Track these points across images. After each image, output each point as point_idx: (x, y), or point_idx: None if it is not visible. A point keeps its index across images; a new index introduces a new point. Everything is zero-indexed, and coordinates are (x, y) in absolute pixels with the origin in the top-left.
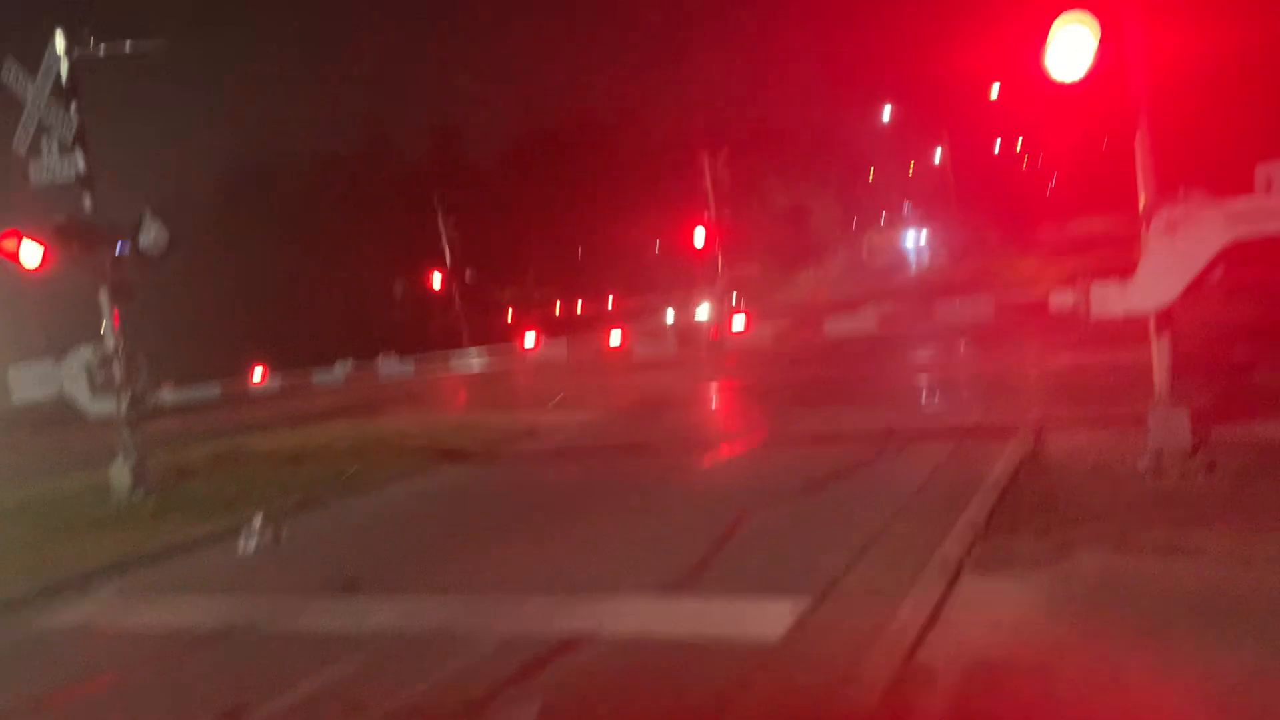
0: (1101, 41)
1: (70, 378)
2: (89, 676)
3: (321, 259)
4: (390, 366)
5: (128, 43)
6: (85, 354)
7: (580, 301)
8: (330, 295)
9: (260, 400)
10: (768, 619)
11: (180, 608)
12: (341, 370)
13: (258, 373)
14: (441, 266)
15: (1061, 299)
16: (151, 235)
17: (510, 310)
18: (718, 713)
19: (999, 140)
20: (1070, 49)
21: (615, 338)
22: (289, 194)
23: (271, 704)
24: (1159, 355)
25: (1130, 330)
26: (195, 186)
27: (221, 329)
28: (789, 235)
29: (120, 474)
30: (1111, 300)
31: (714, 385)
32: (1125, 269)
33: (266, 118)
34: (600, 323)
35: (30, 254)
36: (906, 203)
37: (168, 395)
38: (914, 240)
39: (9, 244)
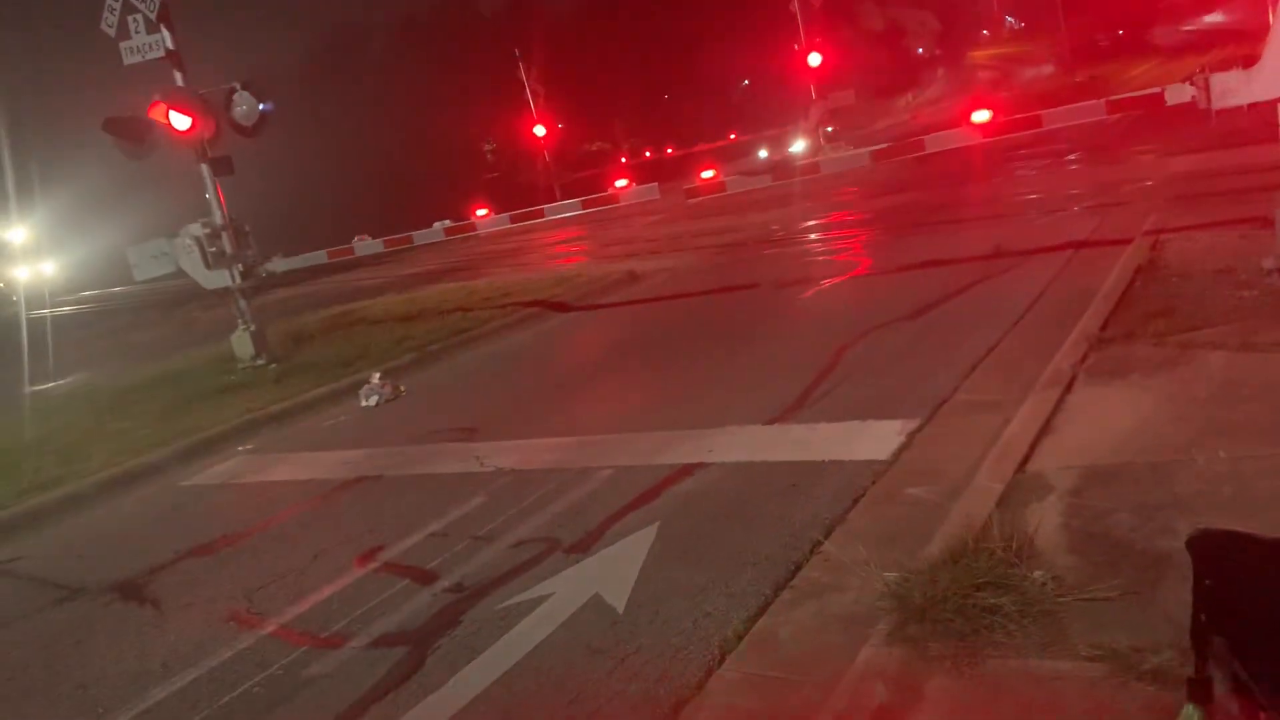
0: None
1: (184, 253)
2: (236, 526)
3: (409, 124)
4: (487, 223)
5: None
6: (195, 229)
7: (670, 148)
8: (421, 158)
9: (364, 265)
10: (877, 439)
11: (311, 461)
12: (440, 230)
13: (360, 239)
14: (529, 121)
15: (1180, 93)
16: (244, 108)
17: (600, 159)
18: (835, 520)
19: None
20: None
21: (708, 174)
22: (372, 61)
23: (407, 540)
24: None
25: (1253, 129)
26: (278, 58)
27: (319, 198)
28: (884, 58)
29: (242, 342)
30: (1234, 89)
31: (810, 218)
32: (1248, 61)
33: None
34: (691, 165)
35: (180, 120)
36: (1008, 16)
37: (278, 264)
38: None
39: (158, 113)
